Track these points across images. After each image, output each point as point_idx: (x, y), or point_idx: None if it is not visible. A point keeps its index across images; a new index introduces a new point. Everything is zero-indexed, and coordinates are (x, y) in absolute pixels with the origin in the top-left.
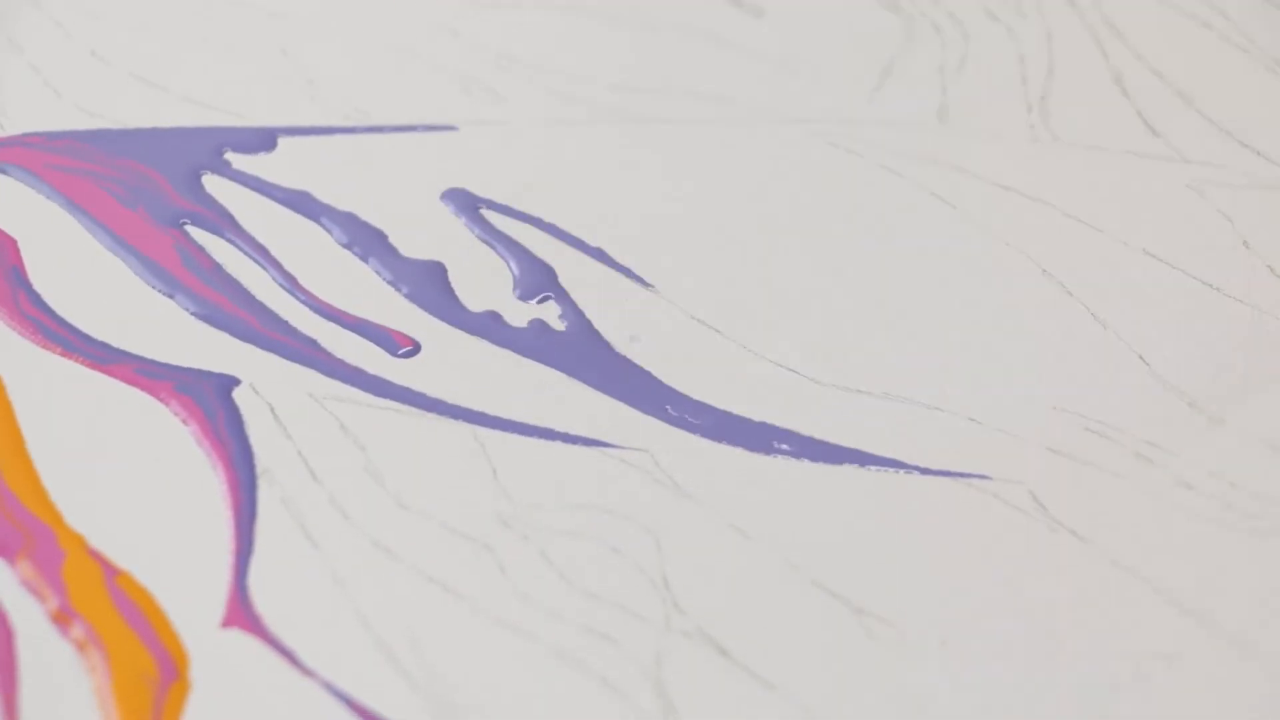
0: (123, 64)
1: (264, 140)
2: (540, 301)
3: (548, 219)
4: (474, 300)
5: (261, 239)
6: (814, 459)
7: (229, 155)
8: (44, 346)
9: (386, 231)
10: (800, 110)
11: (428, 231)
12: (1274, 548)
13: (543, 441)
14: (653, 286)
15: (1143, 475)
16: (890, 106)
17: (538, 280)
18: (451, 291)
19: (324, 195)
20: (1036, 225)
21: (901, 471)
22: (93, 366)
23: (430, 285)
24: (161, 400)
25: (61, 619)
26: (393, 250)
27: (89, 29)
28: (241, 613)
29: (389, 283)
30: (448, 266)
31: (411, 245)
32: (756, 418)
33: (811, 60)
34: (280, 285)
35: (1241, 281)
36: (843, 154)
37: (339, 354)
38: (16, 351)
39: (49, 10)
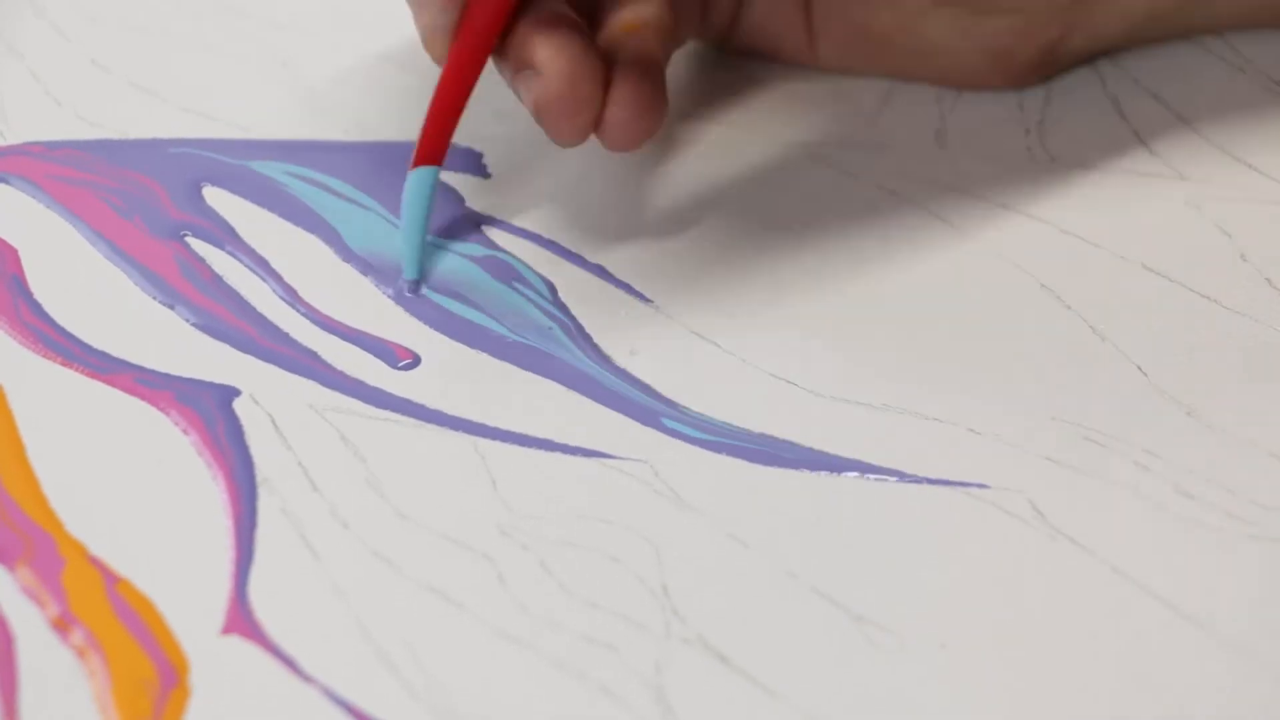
0: (123, 73)
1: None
2: (542, 319)
3: (547, 235)
4: (474, 314)
5: (262, 251)
6: (813, 469)
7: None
8: (44, 356)
9: (386, 245)
10: (798, 133)
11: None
12: (1274, 555)
13: (543, 453)
14: (652, 302)
15: (1142, 484)
16: (888, 131)
17: (538, 295)
18: (451, 304)
19: (323, 209)
20: (1034, 241)
21: (901, 481)
22: (93, 376)
23: (430, 298)
24: (162, 410)
25: (61, 625)
26: (393, 264)
27: (89, 37)
28: (242, 620)
29: (389, 296)
30: (448, 280)
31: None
32: (756, 429)
33: (810, 84)
34: (280, 297)
35: (1239, 294)
36: (840, 175)
37: (339, 366)
38: (17, 360)
39: (49, 18)
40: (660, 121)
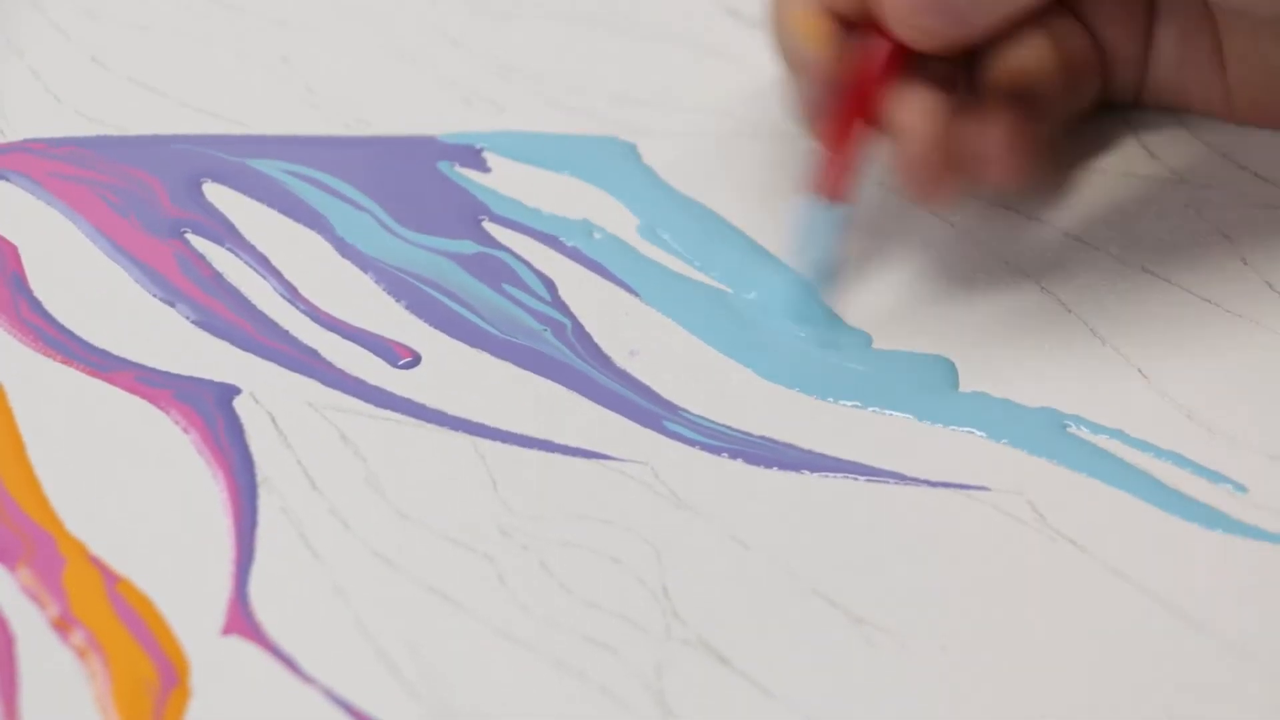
0: (123, 70)
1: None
2: (541, 318)
3: (547, 231)
4: (474, 312)
5: (262, 248)
6: (813, 470)
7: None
8: (44, 354)
9: (385, 242)
10: (794, 126)
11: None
12: (1274, 557)
13: (543, 453)
14: (652, 301)
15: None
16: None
17: (537, 293)
18: (452, 303)
19: (324, 205)
20: (1036, 243)
21: (901, 483)
22: (93, 374)
23: (430, 296)
24: (162, 408)
25: (62, 626)
26: (393, 261)
27: (89, 34)
28: (242, 620)
29: (389, 293)
30: (448, 278)
31: (411, 256)
32: (756, 430)
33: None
34: (280, 295)
35: (1241, 298)
36: None
37: (339, 364)
38: (17, 358)
39: (49, 15)
40: (1025, 164)
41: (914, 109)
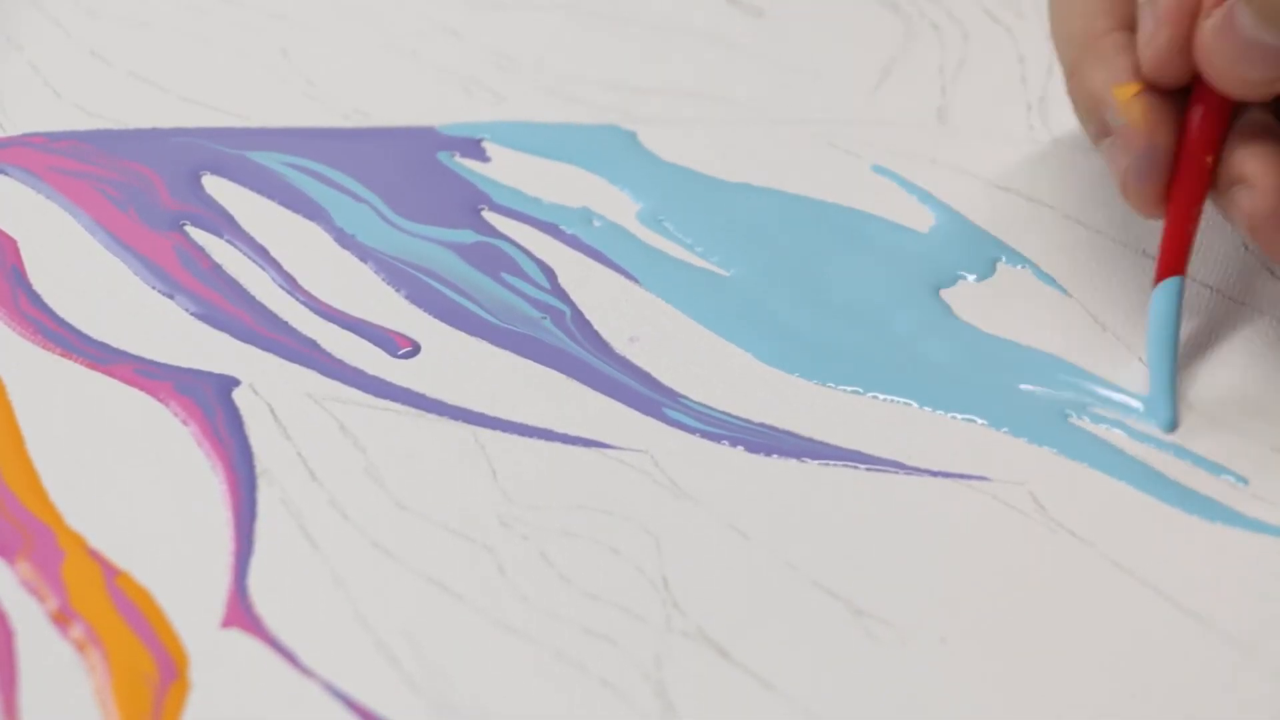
0: (123, 64)
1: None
2: (540, 306)
3: (547, 220)
4: (473, 301)
5: (261, 240)
6: (813, 458)
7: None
8: (44, 347)
9: (384, 232)
10: (799, 110)
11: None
12: (1275, 549)
13: (542, 442)
14: (652, 287)
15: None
16: (889, 106)
17: (537, 281)
18: (451, 292)
19: (323, 196)
20: (1035, 226)
21: (901, 472)
22: (92, 367)
23: (429, 286)
24: (161, 400)
25: (61, 619)
26: (392, 251)
27: (89, 29)
28: (241, 613)
29: (388, 283)
30: (447, 267)
31: (410, 246)
32: (756, 418)
33: (811, 60)
34: (279, 286)
35: (1241, 283)
36: (842, 154)
37: (339, 355)
38: (16, 352)
39: (49, 10)
40: None
41: (1266, 162)
